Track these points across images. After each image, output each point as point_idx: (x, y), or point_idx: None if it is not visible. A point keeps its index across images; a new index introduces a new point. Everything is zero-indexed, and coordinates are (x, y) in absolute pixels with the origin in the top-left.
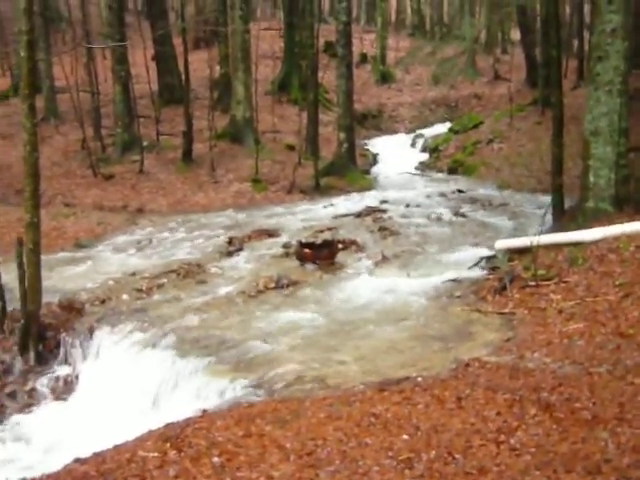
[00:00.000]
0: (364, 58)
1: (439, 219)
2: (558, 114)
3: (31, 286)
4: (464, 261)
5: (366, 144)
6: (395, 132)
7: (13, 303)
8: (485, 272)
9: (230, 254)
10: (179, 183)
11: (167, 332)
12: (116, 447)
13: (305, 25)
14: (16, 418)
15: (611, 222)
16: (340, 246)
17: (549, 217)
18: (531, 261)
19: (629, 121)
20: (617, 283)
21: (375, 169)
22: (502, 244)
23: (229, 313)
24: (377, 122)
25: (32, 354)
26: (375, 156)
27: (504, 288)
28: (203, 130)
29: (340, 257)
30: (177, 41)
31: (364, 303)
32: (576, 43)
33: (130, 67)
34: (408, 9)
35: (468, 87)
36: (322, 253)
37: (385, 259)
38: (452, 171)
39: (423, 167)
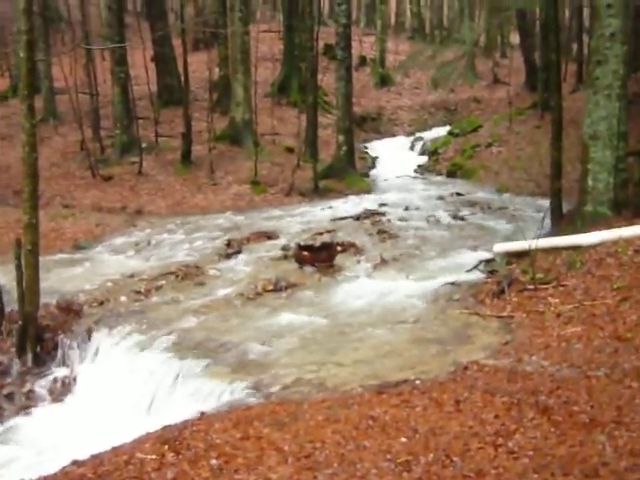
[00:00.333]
0: (363, 61)
1: (438, 222)
2: (557, 118)
3: (29, 287)
4: (463, 264)
5: (365, 147)
6: (394, 135)
7: (11, 304)
8: (483, 275)
9: (229, 256)
10: (178, 185)
11: (165, 334)
12: (114, 449)
13: (305, 27)
14: (14, 420)
15: (609, 226)
16: (339, 249)
17: (548, 221)
18: (529, 265)
19: (628, 125)
20: (615, 287)
21: (374, 172)
22: (501, 247)
23: (227, 315)
24: (376, 125)
25: (30, 356)
26: (374, 159)
27: (502, 291)
28: (202, 132)
29: (339, 260)
30: (176, 42)
31: (362, 306)
32: (575, 47)
33: (129, 68)
34: (408, 12)
35: (467, 91)
36: (321, 256)
37: (384, 262)
38: (451, 174)
39: (422, 170)
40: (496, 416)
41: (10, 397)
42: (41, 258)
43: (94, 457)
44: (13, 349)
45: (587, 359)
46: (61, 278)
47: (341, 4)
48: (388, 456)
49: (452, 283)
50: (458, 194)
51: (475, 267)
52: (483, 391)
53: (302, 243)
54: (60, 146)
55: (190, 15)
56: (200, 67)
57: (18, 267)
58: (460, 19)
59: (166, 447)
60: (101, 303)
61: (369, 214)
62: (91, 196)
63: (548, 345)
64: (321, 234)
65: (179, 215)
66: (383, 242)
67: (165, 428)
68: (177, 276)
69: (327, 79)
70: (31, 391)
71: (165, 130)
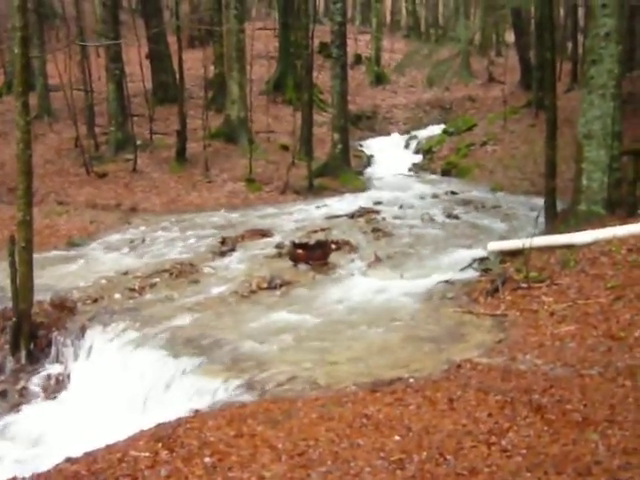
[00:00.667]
0: (359, 59)
1: (432, 220)
2: (552, 117)
3: (23, 284)
4: (457, 263)
5: (360, 145)
6: (389, 133)
7: (5, 301)
8: (477, 274)
9: (223, 254)
10: (173, 182)
11: (159, 332)
12: (107, 447)
13: (300, 25)
14: (7, 417)
15: (603, 225)
16: (333, 247)
17: (542, 219)
18: (523, 263)
19: (622, 125)
20: (609, 286)
21: (369, 170)
22: (495, 246)
23: (222, 313)
24: (371, 123)
25: (23, 353)
26: (369, 157)
27: (496, 290)
28: (197, 129)
29: (333, 258)
30: (171, 39)
31: (357, 304)
32: (570, 46)
33: (124, 65)
34: (403, 10)
35: (462, 89)
36: (315, 254)
37: (378, 260)
38: (445, 173)
39: (417, 169)
40: (489, 414)
41: (3, 394)
42: (35, 255)
43: (88, 454)
44: (7, 346)
45: (580, 358)
46: (55, 275)
47: (336, 2)
48: (381, 454)
49: (446, 281)
50: (452, 193)
51: (469, 265)
52: (477, 389)
53: (297, 241)
54: (54, 143)
55: (185, 12)
56: (195, 64)
57: (12, 264)
58: (455, 17)
59: (160, 445)
60: (95, 300)
61: (364, 212)
62: (85, 193)
63: (542, 344)
64: (316, 232)
65: (174, 213)
66: (377, 240)
67: (159, 426)
68: (171, 274)
69: (322, 77)
70: (25, 388)
71: (160, 127)
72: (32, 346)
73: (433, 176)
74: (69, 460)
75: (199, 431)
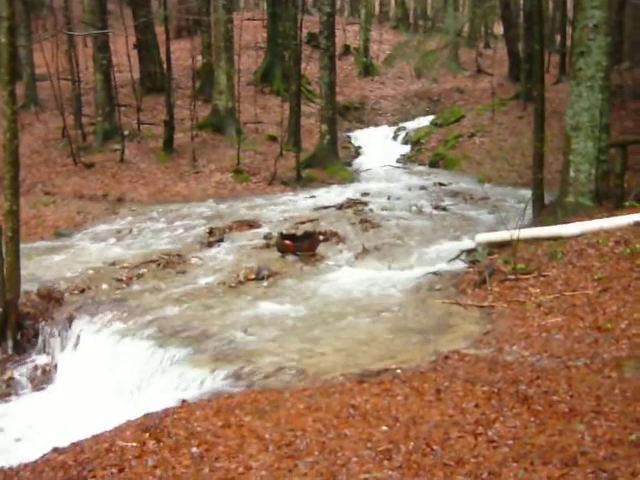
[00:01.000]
0: (347, 50)
1: (420, 212)
2: (540, 109)
3: (10, 275)
4: (444, 254)
5: (348, 136)
6: (377, 125)
7: None
8: (465, 265)
9: (211, 245)
10: (160, 173)
11: (147, 322)
12: (94, 437)
13: (288, 16)
14: None
15: (591, 217)
16: (321, 238)
17: (529, 211)
18: (511, 255)
19: (610, 117)
20: (596, 278)
21: (357, 161)
22: (482, 238)
23: (209, 304)
24: (359, 114)
25: (10, 343)
26: (357, 148)
27: (484, 281)
28: (185, 120)
29: (321, 249)
30: (159, 29)
31: (344, 295)
32: (559, 38)
33: (111, 55)
34: (392, 1)
35: (451, 81)
36: (303, 245)
37: (366, 251)
38: (433, 164)
39: (405, 160)
40: (476, 405)
41: None
42: (22, 245)
43: (75, 444)
44: None
45: (567, 349)
46: (42, 266)
47: None
48: (369, 444)
49: (434, 273)
50: (440, 184)
51: (457, 257)
52: (464, 380)
53: (284, 232)
54: (41, 133)
55: (173, 2)
56: (183, 55)
57: None
58: (444, 9)
59: (147, 435)
60: (82, 291)
61: (352, 203)
62: (72, 183)
63: (529, 335)
64: (303, 223)
65: (161, 203)
66: (365, 231)
67: (146, 416)
68: (159, 264)
69: (311, 68)
70: (11, 378)
71: (147, 118)
72: (19, 336)
73: (421, 167)
74: (56, 450)
75: (186, 421)
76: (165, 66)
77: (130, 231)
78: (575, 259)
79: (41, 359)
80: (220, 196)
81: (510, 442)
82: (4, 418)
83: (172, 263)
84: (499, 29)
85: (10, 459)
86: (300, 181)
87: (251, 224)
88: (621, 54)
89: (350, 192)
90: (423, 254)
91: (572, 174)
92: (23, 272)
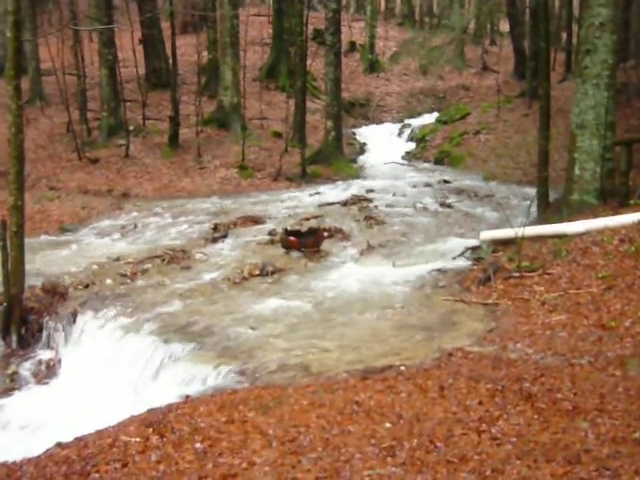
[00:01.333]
0: (353, 46)
1: (425, 209)
2: (545, 106)
3: (14, 269)
4: (449, 251)
5: (353, 133)
6: (382, 121)
7: None
8: (469, 262)
9: (215, 240)
10: (165, 168)
11: (151, 317)
12: (98, 432)
13: (294, 12)
14: None
15: (595, 215)
16: (326, 234)
17: (534, 209)
18: (515, 252)
19: (615, 115)
20: (600, 276)
21: (362, 158)
22: (487, 235)
23: (213, 299)
24: (365, 111)
25: (14, 338)
26: (362, 145)
27: (488, 279)
28: (190, 115)
29: (325, 245)
30: (165, 25)
31: (348, 291)
32: (565, 36)
33: (117, 50)
34: None
35: (456, 78)
36: (307, 241)
37: (370, 248)
38: (438, 161)
39: (410, 157)
40: (480, 402)
41: None
42: (26, 240)
43: (78, 439)
44: None
45: (571, 347)
46: (46, 260)
47: None
48: (372, 441)
49: (438, 270)
50: (445, 181)
51: (461, 254)
52: (467, 378)
53: (289, 228)
54: (46, 128)
55: None
56: (189, 50)
57: (3, 249)
58: (450, 6)
59: (150, 430)
60: (86, 286)
61: (356, 200)
62: (77, 178)
63: (533, 333)
64: (308, 219)
65: (166, 198)
66: (370, 228)
67: (150, 411)
68: (163, 260)
69: (316, 64)
70: (15, 373)
71: (153, 113)
72: (23, 331)
73: (426, 164)
74: (60, 445)
75: (190, 417)
76: (171, 62)
77: (135, 226)
78: (580, 257)
79: (45, 354)
80: (225, 192)
81: (514, 439)
82: (8, 412)
83: (176, 259)
84: (505, 26)
85: (13, 454)
86: (305, 177)
87: (256, 220)
88: (627, 52)
89: (355, 189)
90: (427, 251)
91: (577, 172)
92: (27, 267)
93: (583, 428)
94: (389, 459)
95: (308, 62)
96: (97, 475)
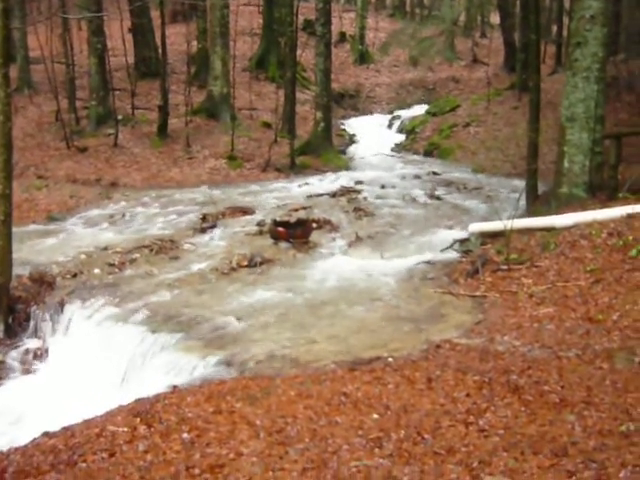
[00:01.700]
0: (343, 37)
1: (414, 201)
2: (535, 99)
3: (1, 258)
4: (437, 243)
5: (343, 124)
6: (372, 113)
7: None
8: (458, 255)
9: (204, 231)
10: (154, 158)
11: (139, 307)
12: (85, 421)
13: (284, 2)
14: None
15: (584, 208)
16: (314, 225)
17: (523, 202)
18: (504, 245)
19: (605, 108)
20: (588, 269)
21: (351, 149)
22: (475, 227)
23: (201, 290)
24: (354, 102)
25: (1, 327)
26: (352, 136)
27: (476, 271)
28: (179, 105)
29: (314, 236)
30: (155, 14)
31: (337, 283)
32: (555, 28)
33: (106, 39)
34: None
35: (446, 70)
36: (296, 232)
37: (359, 239)
38: (428, 153)
39: (399, 149)
40: (467, 395)
41: None
42: (14, 229)
43: (65, 429)
44: None
45: (559, 340)
46: (34, 250)
47: None
48: (360, 432)
49: (427, 262)
50: (434, 173)
51: (450, 246)
52: (455, 370)
53: (278, 219)
54: (35, 116)
55: None
56: (178, 39)
57: None
58: None
59: (138, 420)
60: (74, 275)
61: (345, 191)
62: (65, 167)
63: (520, 325)
64: (297, 210)
65: (154, 188)
66: (359, 220)
67: (137, 401)
68: (151, 250)
69: (306, 55)
70: (2, 362)
71: (142, 102)
72: (10, 320)
73: (415, 156)
74: (47, 434)
75: (177, 407)
76: (160, 51)
77: (123, 216)
78: (568, 250)
79: (32, 343)
80: (214, 182)
81: (501, 431)
82: None
83: (165, 249)
84: (495, 18)
85: (0, 443)
86: (294, 168)
87: (244, 211)
88: (617, 45)
89: (344, 180)
90: (416, 243)
91: (566, 165)
92: (15, 256)
93: (570, 421)
94: (376, 450)
95: (298, 53)
96: (84, 465)
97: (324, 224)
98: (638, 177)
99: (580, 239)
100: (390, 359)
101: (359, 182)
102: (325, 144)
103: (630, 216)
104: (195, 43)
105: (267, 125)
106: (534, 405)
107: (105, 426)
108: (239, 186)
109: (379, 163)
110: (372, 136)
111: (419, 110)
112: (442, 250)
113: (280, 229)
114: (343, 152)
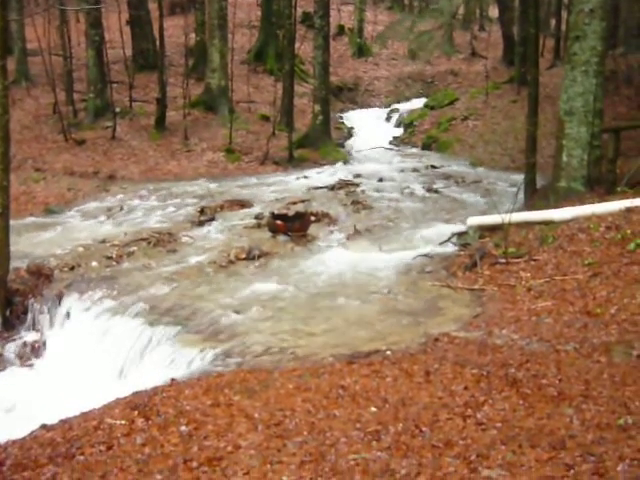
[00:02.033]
0: (341, 30)
1: (412, 194)
2: (534, 93)
3: None
4: (436, 237)
5: (341, 117)
6: (370, 106)
7: None
8: (456, 248)
9: (202, 224)
10: (151, 150)
11: (136, 300)
12: (83, 414)
13: None
14: None
15: (582, 202)
16: (312, 218)
17: (521, 195)
18: (502, 238)
19: (604, 102)
20: (586, 262)
21: (349, 142)
22: (474, 221)
23: (199, 283)
24: (353, 95)
25: None
26: (350, 129)
27: (474, 265)
28: (177, 98)
29: (312, 229)
30: (153, 6)
31: (335, 276)
32: (554, 22)
33: (104, 31)
34: None
35: (445, 63)
36: (294, 225)
37: (357, 233)
38: (426, 147)
39: (397, 142)
40: (465, 388)
41: None
42: (12, 222)
43: (63, 422)
44: None
45: (557, 333)
46: (32, 242)
47: None
48: (358, 425)
49: (425, 255)
50: (433, 167)
51: (448, 240)
52: (453, 363)
53: (276, 212)
54: (32, 109)
55: None
56: (176, 32)
57: None
58: None
59: (136, 413)
60: (72, 268)
61: (343, 184)
62: (63, 160)
63: (518, 319)
64: (295, 203)
65: (152, 181)
66: (357, 213)
67: (135, 394)
68: (149, 242)
69: (304, 48)
70: (0, 355)
71: (139, 95)
72: (8, 313)
73: (414, 150)
74: (44, 427)
75: (175, 400)
76: (158, 43)
77: (121, 209)
78: (566, 244)
79: (30, 336)
80: (212, 175)
81: (499, 425)
82: None
83: (163, 241)
84: (494, 12)
85: None
86: (292, 161)
87: (242, 204)
88: (616, 39)
89: (342, 173)
90: (414, 236)
91: (565, 159)
92: (12, 248)
93: (568, 414)
94: (374, 443)
95: (296, 45)
96: (82, 457)
97: (322, 217)
98: (636, 171)
99: (578, 233)
100: (388, 352)
101: (357, 175)
102: (323, 137)
103: (628, 210)
104: (193, 35)
105: (265, 118)
106: (532, 398)
107: (103, 419)
108: (237, 179)
109: (377, 156)
110: (370, 129)
111: (417, 103)
112: (440, 243)
113: (278, 222)
114: (341, 145)
